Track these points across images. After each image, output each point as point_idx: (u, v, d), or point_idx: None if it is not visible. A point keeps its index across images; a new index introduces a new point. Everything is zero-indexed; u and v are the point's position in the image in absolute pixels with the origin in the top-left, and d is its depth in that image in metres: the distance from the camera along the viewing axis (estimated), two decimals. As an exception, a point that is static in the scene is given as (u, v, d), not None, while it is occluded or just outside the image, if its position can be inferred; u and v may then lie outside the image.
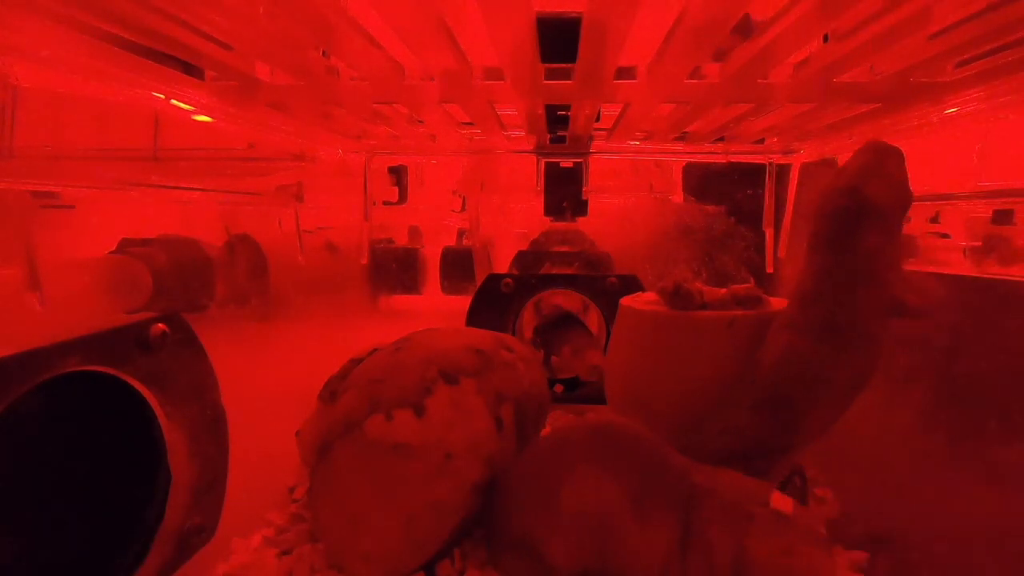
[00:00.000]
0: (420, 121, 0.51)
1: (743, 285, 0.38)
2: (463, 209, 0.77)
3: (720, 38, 0.28)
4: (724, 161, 0.61)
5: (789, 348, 0.30)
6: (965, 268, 0.53)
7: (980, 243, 0.54)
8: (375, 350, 0.35)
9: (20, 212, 0.33)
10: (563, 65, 0.34)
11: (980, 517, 0.30)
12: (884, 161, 0.29)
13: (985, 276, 0.50)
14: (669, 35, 0.29)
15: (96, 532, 0.26)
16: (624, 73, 0.35)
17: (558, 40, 0.31)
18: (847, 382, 0.30)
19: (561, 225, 0.67)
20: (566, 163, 0.63)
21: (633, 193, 0.69)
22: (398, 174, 0.75)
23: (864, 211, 0.28)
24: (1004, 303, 0.35)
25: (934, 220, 0.58)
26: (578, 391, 0.53)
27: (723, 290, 0.38)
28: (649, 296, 0.43)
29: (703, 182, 0.65)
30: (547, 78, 0.35)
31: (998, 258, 0.53)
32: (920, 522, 0.33)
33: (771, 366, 0.31)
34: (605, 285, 0.51)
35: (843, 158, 0.57)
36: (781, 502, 0.25)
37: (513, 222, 0.73)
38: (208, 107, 0.40)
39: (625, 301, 0.42)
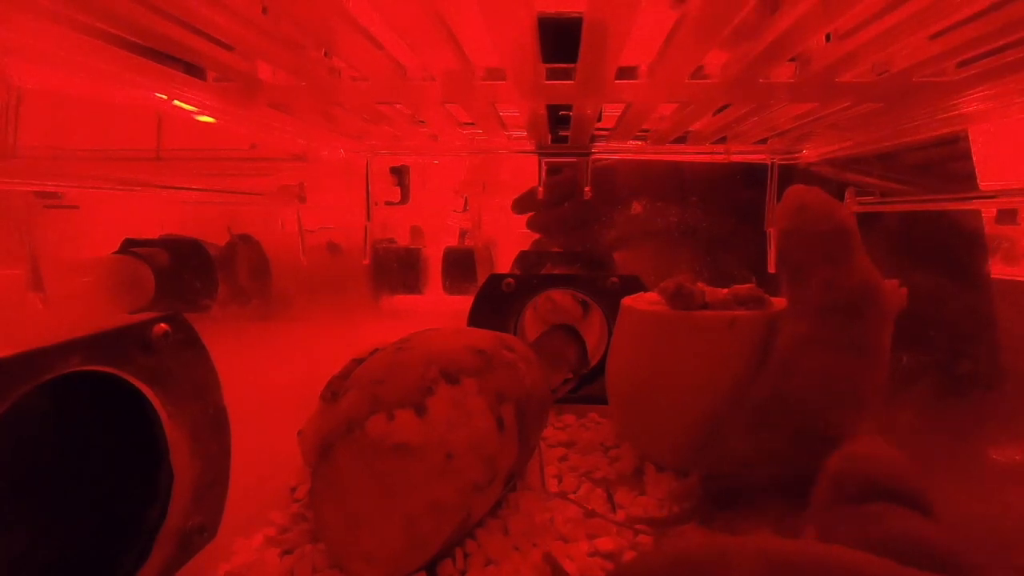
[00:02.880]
0: (422, 121, 0.51)
1: (745, 285, 0.38)
2: (465, 209, 0.77)
3: (721, 37, 0.28)
4: (725, 161, 0.61)
5: (826, 366, 0.30)
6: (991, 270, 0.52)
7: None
8: (377, 350, 0.35)
9: (23, 212, 0.33)
10: (564, 65, 0.34)
11: (980, 517, 0.30)
12: (825, 196, 0.34)
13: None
14: (670, 35, 0.29)
15: (98, 532, 0.26)
16: (625, 73, 0.35)
17: (559, 40, 0.31)
18: (874, 394, 0.30)
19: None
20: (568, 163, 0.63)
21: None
22: (400, 174, 0.75)
23: (845, 231, 0.32)
24: (1008, 304, 0.35)
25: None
26: (580, 391, 0.53)
27: (724, 290, 0.38)
28: (650, 296, 0.43)
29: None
30: (548, 78, 0.35)
31: (1002, 258, 0.52)
32: None
33: (812, 388, 0.30)
34: (606, 285, 0.51)
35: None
36: None
37: (514, 222, 0.73)
38: (210, 107, 0.40)
39: (626, 301, 0.42)
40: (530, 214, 0.67)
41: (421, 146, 0.64)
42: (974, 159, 0.50)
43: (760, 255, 0.62)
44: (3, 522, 0.25)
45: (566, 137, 0.55)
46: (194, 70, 0.35)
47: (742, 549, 0.21)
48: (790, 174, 0.62)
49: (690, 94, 0.37)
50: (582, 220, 0.64)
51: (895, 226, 0.54)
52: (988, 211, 0.50)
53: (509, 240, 0.73)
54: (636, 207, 0.66)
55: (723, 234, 0.64)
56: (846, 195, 0.55)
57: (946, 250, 0.51)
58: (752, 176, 0.61)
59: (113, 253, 0.60)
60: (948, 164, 0.52)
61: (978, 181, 0.50)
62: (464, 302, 0.54)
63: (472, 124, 0.51)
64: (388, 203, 0.75)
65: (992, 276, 0.49)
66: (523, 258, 0.63)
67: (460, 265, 0.75)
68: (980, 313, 0.48)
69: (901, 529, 0.22)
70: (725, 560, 0.20)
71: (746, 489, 0.30)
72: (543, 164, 0.62)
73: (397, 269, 0.76)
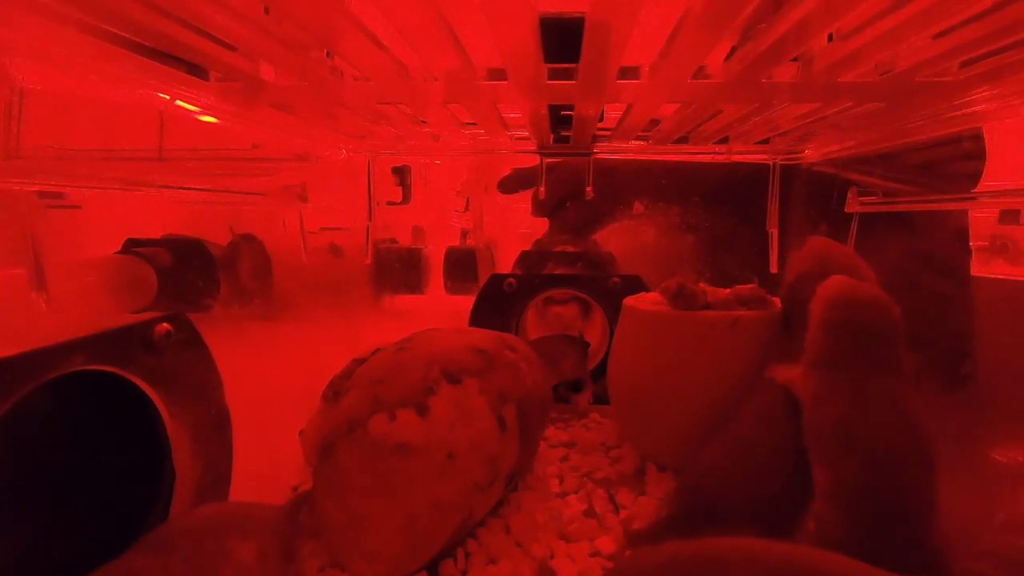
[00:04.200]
0: (424, 121, 0.51)
1: (747, 285, 0.38)
2: (467, 209, 0.77)
3: (724, 36, 0.28)
4: (727, 161, 0.61)
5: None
6: (972, 269, 0.52)
7: (986, 243, 0.53)
8: (378, 350, 0.35)
9: (26, 212, 0.33)
10: (566, 65, 0.34)
11: (982, 517, 0.30)
12: None
13: (992, 277, 0.50)
14: (672, 34, 0.29)
15: (100, 531, 0.26)
16: (628, 73, 0.35)
17: (561, 40, 0.31)
18: None
19: (564, 225, 0.67)
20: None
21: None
22: (402, 174, 0.75)
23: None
24: (1013, 304, 0.35)
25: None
26: (582, 391, 0.53)
27: (727, 290, 0.38)
28: (652, 296, 0.43)
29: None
30: (550, 78, 0.35)
31: (1006, 259, 0.52)
32: None
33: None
34: (608, 285, 0.51)
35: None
36: None
37: (516, 222, 0.73)
38: (213, 108, 0.40)
39: (628, 301, 0.42)
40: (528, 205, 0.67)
41: (423, 146, 0.64)
42: (987, 160, 0.50)
43: (762, 255, 0.62)
44: (5, 521, 0.25)
45: (568, 137, 0.55)
46: (197, 70, 0.35)
47: (739, 550, 0.21)
48: (792, 174, 0.62)
49: (692, 94, 0.37)
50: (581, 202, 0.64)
51: (893, 225, 0.54)
52: (991, 212, 0.50)
53: (511, 240, 0.73)
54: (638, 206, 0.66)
55: (724, 234, 0.64)
56: (848, 195, 0.55)
57: (934, 248, 0.52)
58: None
59: (115, 253, 0.60)
60: (950, 164, 0.52)
61: (979, 182, 0.50)
62: (466, 302, 0.54)
63: (474, 124, 0.51)
64: (390, 203, 0.75)
65: (975, 275, 0.49)
66: (525, 258, 0.63)
67: (461, 265, 0.75)
68: (963, 312, 0.48)
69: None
70: (722, 560, 0.21)
71: (723, 508, 0.28)
72: (545, 164, 0.62)
73: (399, 269, 0.76)
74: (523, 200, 0.70)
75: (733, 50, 0.33)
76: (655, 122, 0.50)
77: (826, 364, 0.27)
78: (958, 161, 0.52)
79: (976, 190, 0.50)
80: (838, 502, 0.24)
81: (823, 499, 0.25)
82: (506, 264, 0.68)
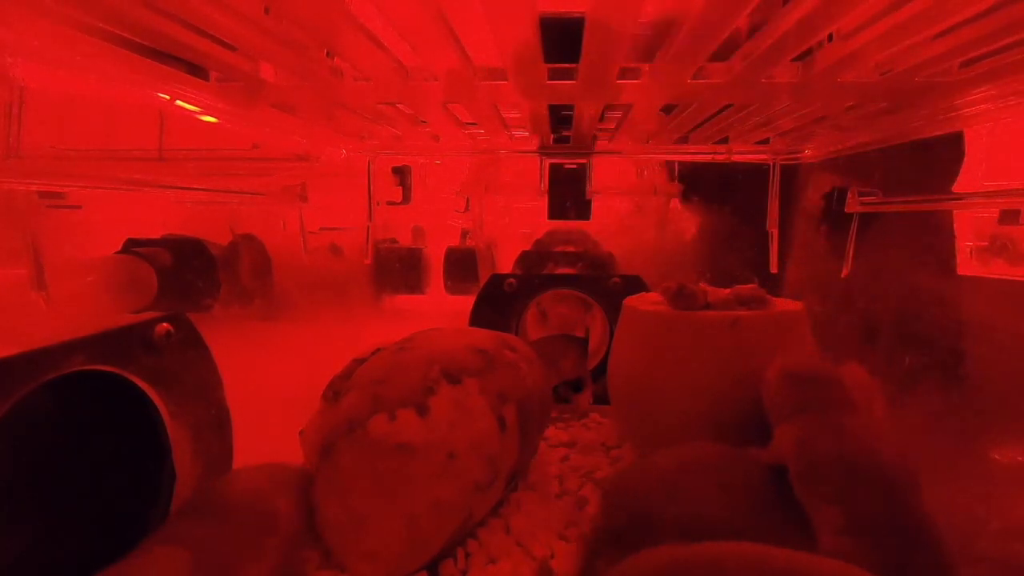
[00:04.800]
0: (424, 121, 0.51)
1: (747, 285, 0.38)
2: (467, 209, 0.77)
3: (722, 36, 0.28)
4: (727, 161, 0.61)
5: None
6: (972, 269, 0.52)
7: (986, 243, 0.53)
8: (378, 350, 0.35)
9: (26, 212, 0.33)
10: (566, 65, 0.34)
11: (980, 521, 0.30)
12: None
13: (992, 277, 0.50)
14: (673, 34, 0.29)
15: (101, 531, 0.26)
16: (628, 73, 0.35)
17: (561, 40, 0.31)
18: None
19: (564, 225, 0.67)
20: (570, 165, 0.63)
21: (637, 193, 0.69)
22: (402, 174, 0.75)
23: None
24: (1012, 304, 0.35)
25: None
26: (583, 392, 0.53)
27: (726, 290, 0.38)
28: (653, 296, 0.43)
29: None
30: (550, 78, 0.35)
31: (1006, 259, 0.52)
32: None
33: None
34: (608, 285, 0.51)
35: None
36: None
37: (516, 222, 0.73)
38: (213, 108, 0.40)
39: (629, 301, 0.42)
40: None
41: (423, 146, 0.64)
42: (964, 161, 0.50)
43: (762, 255, 0.62)
44: (5, 521, 0.25)
45: (568, 137, 0.55)
46: (197, 70, 0.35)
47: (737, 554, 0.21)
48: (792, 174, 0.62)
49: (692, 94, 0.37)
50: None
51: (890, 225, 0.54)
52: (990, 212, 0.50)
53: (511, 240, 0.73)
54: None
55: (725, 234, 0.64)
56: (848, 194, 0.55)
57: (923, 248, 0.52)
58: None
59: (116, 253, 0.60)
60: (944, 164, 0.52)
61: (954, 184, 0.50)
62: (466, 302, 0.54)
63: (474, 124, 0.51)
64: (390, 203, 0.75)
65: (976, 275, 0.49)
66: (525, 258, 0.63)
67: (462, 265, 0.75)
68: (952, 311, 0.48)
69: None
70: (720, 564, 0.21)
71: (652, 527, 0.25)
72: (545, 164, 0.62)
73: (399, 269, 0.77)
74: (523, 200, 0.70)
75: (728, 46, 0.33)
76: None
77: (798, 413, 0.28)
78: (955, 161, 0.52)
79: (973, 190, 0.50)
80: (854, 532, 0.25)
81: (835, 534, 0.25)
82: (506, 264, 0.68)
